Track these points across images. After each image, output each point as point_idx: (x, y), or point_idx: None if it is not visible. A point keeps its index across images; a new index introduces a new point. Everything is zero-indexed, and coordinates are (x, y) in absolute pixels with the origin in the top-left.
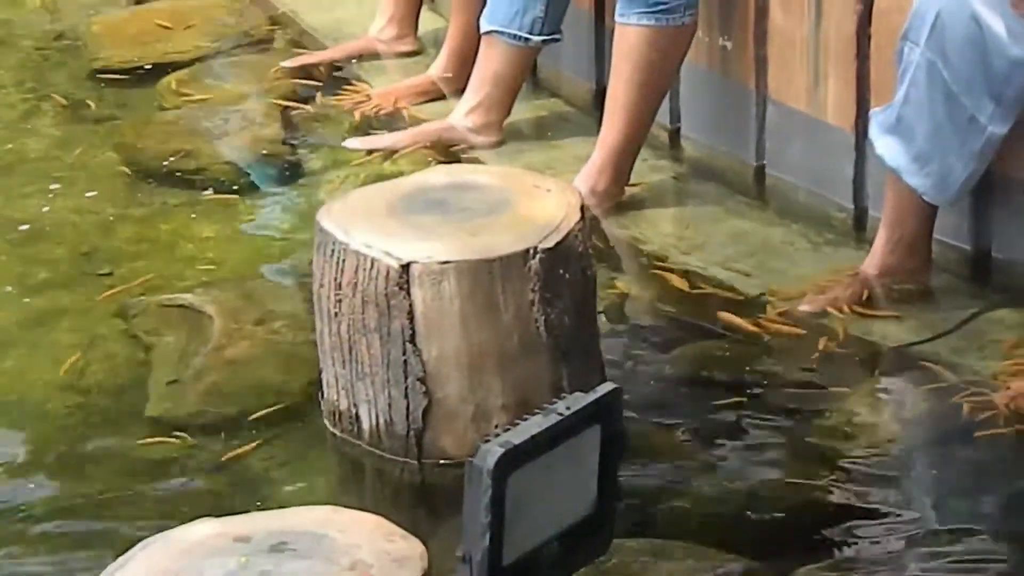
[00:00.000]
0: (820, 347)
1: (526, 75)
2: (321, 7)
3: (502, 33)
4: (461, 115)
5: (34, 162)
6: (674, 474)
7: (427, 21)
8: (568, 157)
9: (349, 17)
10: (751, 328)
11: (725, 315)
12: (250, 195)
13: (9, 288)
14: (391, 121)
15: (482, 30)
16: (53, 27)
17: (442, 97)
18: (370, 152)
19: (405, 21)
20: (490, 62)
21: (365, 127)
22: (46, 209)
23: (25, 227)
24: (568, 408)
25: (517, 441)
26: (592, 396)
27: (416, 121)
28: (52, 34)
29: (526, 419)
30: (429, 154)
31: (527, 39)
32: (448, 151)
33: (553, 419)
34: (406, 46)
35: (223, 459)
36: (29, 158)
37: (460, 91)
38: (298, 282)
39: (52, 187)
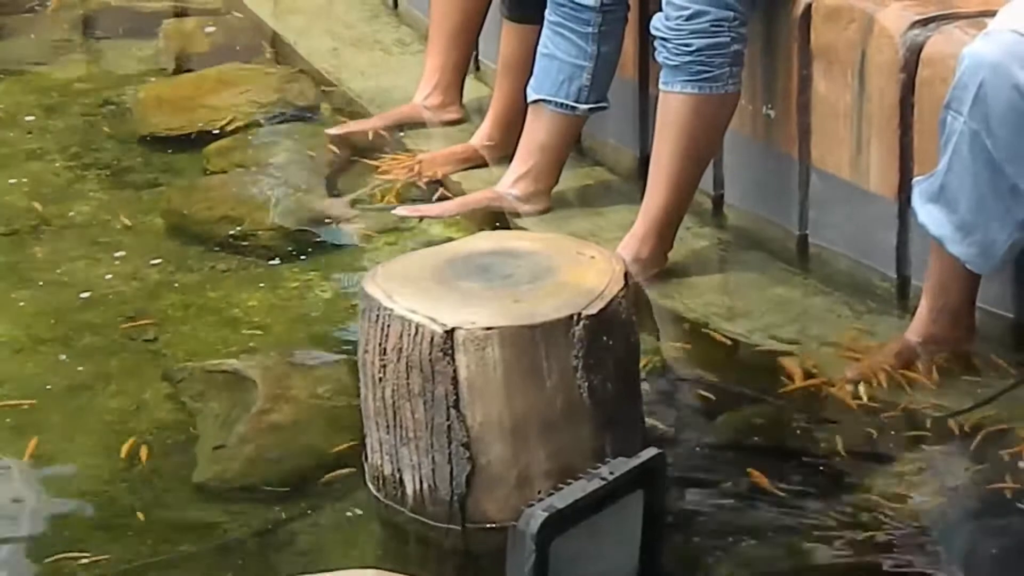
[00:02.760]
0: (862, 415)
1: (573, 143)
2: (367, 75)
3: (549, 102)
4: (509, 184)
5: (81, 227)
6: (717, 540)
7: (471, 89)
8: (611, 224)
9: (394, 85)
10: (794, 391)
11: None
12: (295, 261)
13: (55, 352)
14: (435, 188)
15: (529, 99)
16: (100, 94)
17: (485, 165)
18: (418, 220)
19: (450, 89)
20: (537, 131)
21: (410, 194)
22: (101, 275)
23: (86, 294)
24: (612, 473)
25: (561, 505)
26: (636, 461)
27: (459, 189)
28: (99, 101)
29: (570, 484)
30: (474, 221)
31: (574, 107)
32: (493, 219)
33: (596, 484)
34: (451, 114)
35: (268, 524)
36: (76, 223)
37: (503, 159)
38: (342, 348)
39: (99, 253)
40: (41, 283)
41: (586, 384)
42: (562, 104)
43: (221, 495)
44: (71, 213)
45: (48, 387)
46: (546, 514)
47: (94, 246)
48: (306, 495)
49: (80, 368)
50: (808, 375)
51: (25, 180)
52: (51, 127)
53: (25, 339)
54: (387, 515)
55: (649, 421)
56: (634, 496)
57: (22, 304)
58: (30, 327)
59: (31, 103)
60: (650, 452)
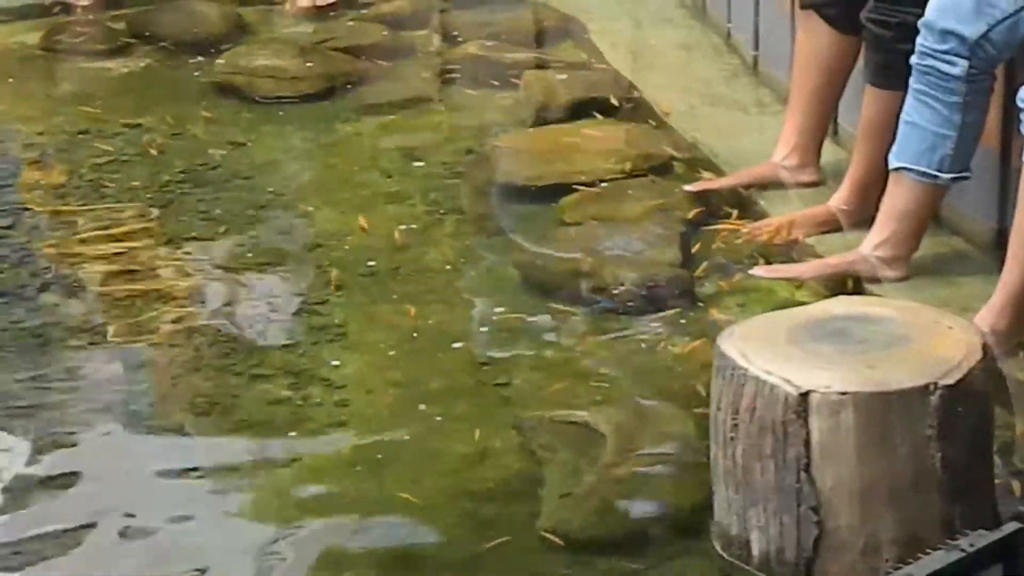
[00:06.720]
0: None
1: (933, 211)
2: (724, 134)
3: (911, 170)
4: (869, 249)
5: (436, 272)
6: None
7: (829, 152)
8: (967, 296)
9: (751, 145)
10: None
11: None
12: (647, 315)
13: (407, 394)
14: (788, 250)
15: (891, 166)
16: (459, 141)
17: (839, 229)
18: (772, 280)
19: (808, 151)
20: (898, 198)
21: (765, 254)
22: (454, 320)
23: (439, 338)
24: (972, 545)
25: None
26: (997, 535)
27: (812, 252)
28: (458, 148)
29: (928, 553)
30: (825, 285)
31: (936, 176)
32: (844, 283)
33: (956, 555)
34: (808, 176)
35: None
36: (432, 268)
37: (859, 223)
38: (691, 404)
39: (453, 298)
40: (396, 325)
41: (938, 454)
42: (924, 173)
43: (565, 545)
44: (427, 257)
45: (398, 429)
46: None
47: (448, 291)
48: (651, 549)
49: (430, 411)
50: None
51: (384, 223)
52: (412, 172)
53: (378, 380)
54: (732, 574)
55: (999, 496)
56: (992, 572)
57: (378, 345)
58: (384, 368)
59: (393, 148)
60: (1012, 526)
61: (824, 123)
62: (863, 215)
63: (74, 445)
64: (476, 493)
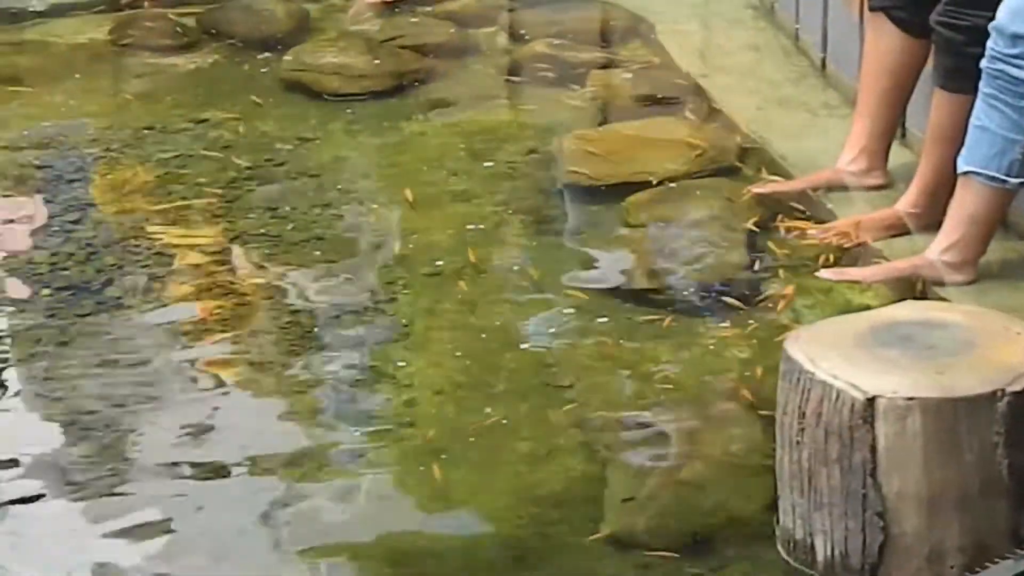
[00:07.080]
0: None
1: (1002, 216)
2: (791, 136)
3: (979, 174)
4: (937, 253)
5: (503, 272)
6: None
7: (896, 155)
8: None
9: (819, 147)
10: None
11: None
12: (712, 317)
13: (473, 395)
14: (855, 253)
15: (959, 170)
16: (525, 141)
17: (907, 232)
18: (839, 283)
19: (875, 154)
20: (966, 202)
21: (831, 257)
22: (520, 320)
23: (505, 338)
24: None
25: None
26: None
27: (880, 255)
28: (524, 147)
29: (995, 563)
30: (892, 289)
31: (1004, 181)
32: (911, 287)
33: (1023, 566)
34: (875, 179)
35: None
36: (498, 268)
37: (927, 227)
38: (756, 407)
39: (518, 298)
40: (461, 326)
41: (1006, 461)
42: (993, 177)
43: (627, 547)
44: (493, 257)
45: (462, 428)
46: None
47: (514, 291)
48: (714, 553)
49: (495, 413)
50: None
51: (450, 222)
52: (477, 171)
53: (444, 381)
54: None
55: None
56: None
57: (444, 345)
58: (450, 369)
59: (458, 146)
60: None
61: (892, 126)
62: (931, 219)
63: (136, 443)
64: (539, 495)
